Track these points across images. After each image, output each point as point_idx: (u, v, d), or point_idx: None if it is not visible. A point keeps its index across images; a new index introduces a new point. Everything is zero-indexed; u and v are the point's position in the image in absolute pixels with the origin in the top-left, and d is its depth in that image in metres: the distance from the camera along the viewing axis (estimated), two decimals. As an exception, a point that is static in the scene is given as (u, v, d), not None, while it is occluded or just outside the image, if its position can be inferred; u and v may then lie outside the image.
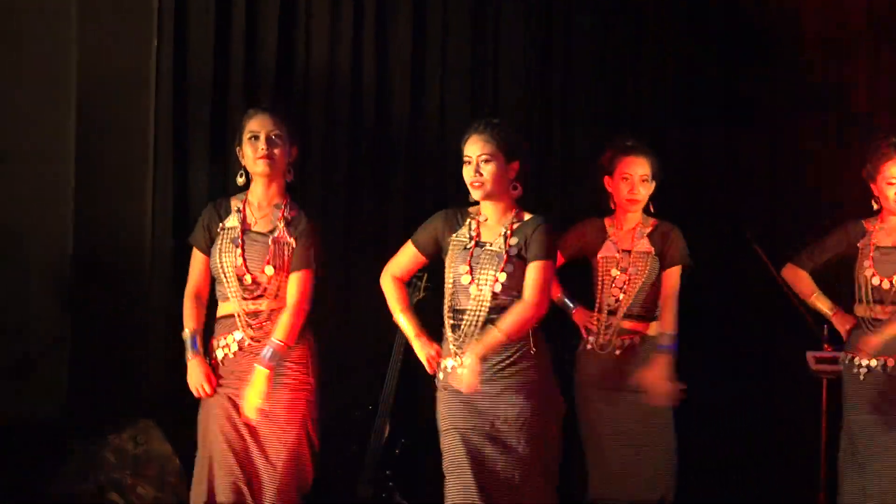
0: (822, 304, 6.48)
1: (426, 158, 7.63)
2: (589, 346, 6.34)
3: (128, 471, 7.00)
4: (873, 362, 6.18)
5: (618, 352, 6.26)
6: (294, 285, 5.42)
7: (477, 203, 5.33)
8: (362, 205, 7.78)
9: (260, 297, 5.42)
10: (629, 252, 6.30)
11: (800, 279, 6.58)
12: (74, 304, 7.15)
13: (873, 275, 6.20)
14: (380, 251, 6.63)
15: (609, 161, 6.38)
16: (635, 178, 6.26)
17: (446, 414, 5.33)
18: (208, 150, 7.22)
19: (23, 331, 7.13)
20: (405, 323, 5.51)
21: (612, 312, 6.30)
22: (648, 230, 6.31)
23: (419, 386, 6.87)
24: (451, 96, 7.79)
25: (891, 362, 6.15)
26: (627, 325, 6.26)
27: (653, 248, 6.28)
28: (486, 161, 5.27)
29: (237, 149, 5.51)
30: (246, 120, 5.51)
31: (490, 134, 5.27)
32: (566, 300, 6.54)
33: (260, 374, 5.29)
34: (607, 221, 6.44)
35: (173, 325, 6.26)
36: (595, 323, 6.35)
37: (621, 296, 6.28)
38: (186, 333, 5.47)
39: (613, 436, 6.30)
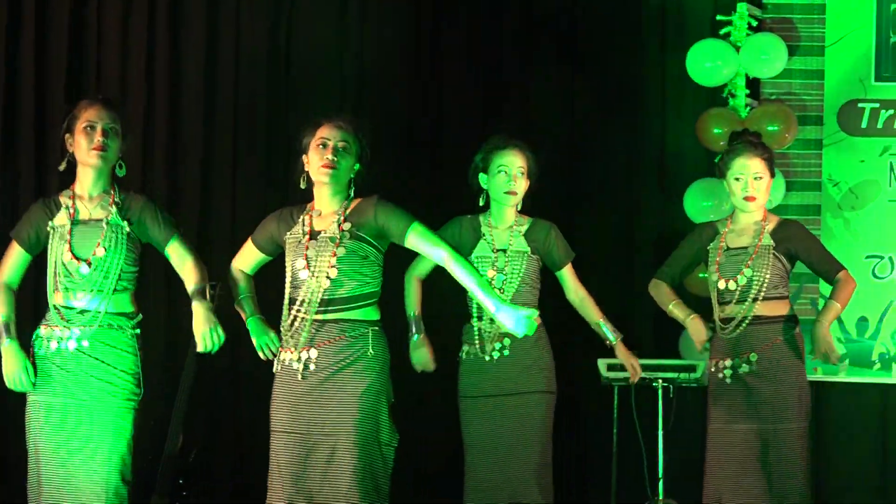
0: (680, 312, 6.45)
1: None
2: (464, 356, 6.30)
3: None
4: (731, 363, 6.19)
5: (496, 355, 6.23)
6: (178, 251, 5.41)
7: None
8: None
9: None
10: (504, 251, 6.26)
11: (659, 291, 6.56)
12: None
13: (718, 278, 6.27)
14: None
15: (484, 157, 6.33)
16: (513, 172, 6.23)
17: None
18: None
19: None
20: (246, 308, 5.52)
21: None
22: (524, 228, 6.29)
23: (218, 392, 7.06)
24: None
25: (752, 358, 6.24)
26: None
27: (529, 248, 6.28)
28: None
29: (66, 136, 5.42)
30: (81, 109, 5.41)
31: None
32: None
33: (204, 307, 5.27)
34: (481, 220, 6.39)
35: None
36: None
37: (512, 290, 6.26)
38: None
39: (490, 439, 6.31)
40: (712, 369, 6.22)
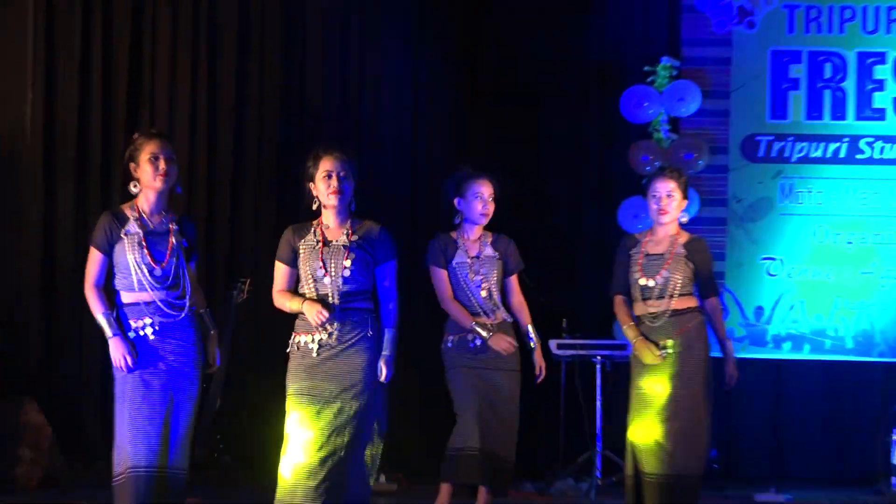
0: (630, 333, 6.83)
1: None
2: (450, 344, 6.81)
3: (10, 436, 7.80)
4: (669, 346, 6.69)
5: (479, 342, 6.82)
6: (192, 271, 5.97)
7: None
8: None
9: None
10: (478, 257, 6.90)
11: (620, 311, 6.96)
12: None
13: (640, 276, 6.73)
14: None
15: (458, 184, 6.88)
16: (486, 198, 6.78)
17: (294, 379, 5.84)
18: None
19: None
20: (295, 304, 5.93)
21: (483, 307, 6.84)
22: (490, 240, 6.93)
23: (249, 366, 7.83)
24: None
25: (669, 343, 6.66)
26: (497, 318, 6.91)
27: (497, 254, 6.91)
28: None
29: (130, 165, 5.88)
30: (142, 142, 5.88)
31: None
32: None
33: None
34: (453, 234, 6.94)
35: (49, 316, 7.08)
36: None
37: (483, 293, 6.87)
38: (104, 317, 5.86)
39: (480, 401, 6.80)
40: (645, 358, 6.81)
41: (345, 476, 5.86)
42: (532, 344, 6.90)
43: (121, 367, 5.80)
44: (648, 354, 6.64)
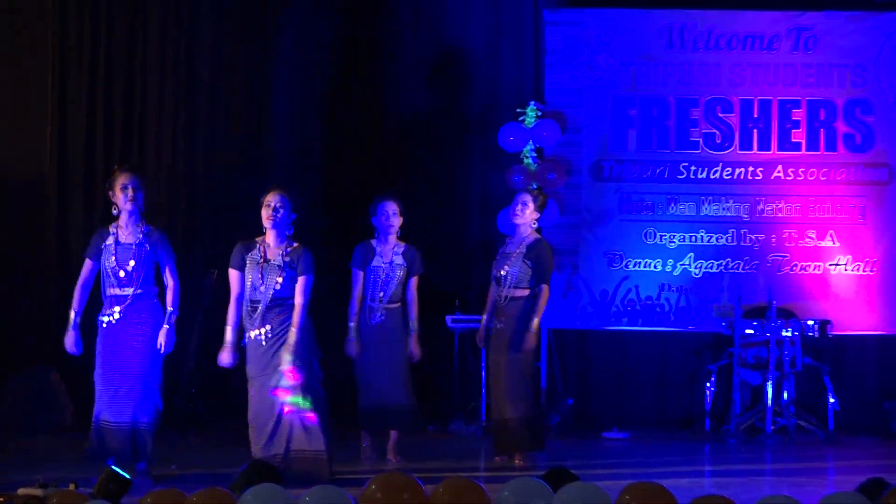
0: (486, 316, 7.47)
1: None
2: (353, 324, 7.48)
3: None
4: (495, 321, 7.53)
5: (377, 321, 7.57)
6: (168, 276, 6.71)
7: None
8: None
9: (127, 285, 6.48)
10: (390, 263, 7.54)
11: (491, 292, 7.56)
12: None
13: (497, 269, 7.60)
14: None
15: (373, 206, 7.53)
16: (390, 214, 7.47)
17: (251, 365, 6.55)
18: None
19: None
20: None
21: (380, 300, 7.53)
22: (401, 250, 7.55)
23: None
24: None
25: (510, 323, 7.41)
26: (390, 306, 7.59)
27: (405, 262, 7.53)
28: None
29: (108, 192, 6.61)
30: (117, 174, 6.63)
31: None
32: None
33: (169, 326, 6.67)
34: (373, 243, 7.60)
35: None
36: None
37: (381, 293, 7.56)
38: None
39: (377, 364, 7.52)
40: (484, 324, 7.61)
41: (292, 429, 6.51)
42: (411, 331, 7.50)
43: (70, 351, 6.49)
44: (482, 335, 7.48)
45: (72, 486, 5.54)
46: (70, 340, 6.51)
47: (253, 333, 6.54)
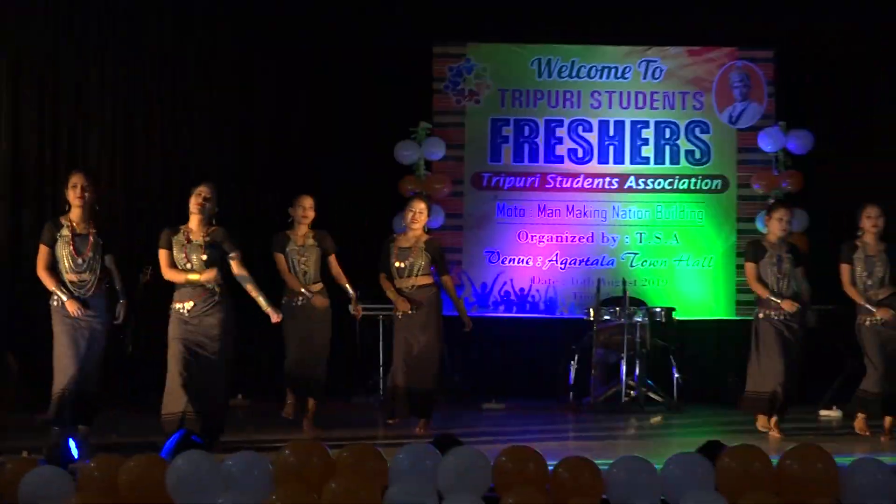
0: (391, 294, 7.46)
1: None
2: (284, 302, 7.29)
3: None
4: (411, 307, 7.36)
5: (302, 302, 7.42)
6: (111, 263, 6.62)
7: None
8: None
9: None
10: (304, 247, 7.51)
11: (383, 281, 7.57)
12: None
13: (396, 262, 7.47)
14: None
15: (292, 201, 7.47)
16: (306, 208, 7.42)
17: (173, 330, 6.42)
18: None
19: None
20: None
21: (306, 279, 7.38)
22: (312, 234, 7.55)
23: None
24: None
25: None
26: (315, 287, 7.51)
27: (316, 243, 7.52)
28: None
29: (65, 191, 6.55)
30: (70, 175, 6.61)
31: None
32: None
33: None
34: (289, 232, 7.50)
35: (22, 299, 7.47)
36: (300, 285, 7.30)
37: (304, 269, 7.50)
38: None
39: (300, 337, 7.36)
40: (399, 311, 7.49)
41: (206, 392, 6.38)
42: (350, 294, 7.52)
43: (76, 315, 6.38)
44: (402, 303, 7.39)
45: (24, 454, 5.57)
46: (75, 304, 6.53)
47: (177, 306, 6.50)
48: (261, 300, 6.57)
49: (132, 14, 9.74)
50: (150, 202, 9.81)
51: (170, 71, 10.03)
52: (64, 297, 6.37)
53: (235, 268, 6.56)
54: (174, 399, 6.33)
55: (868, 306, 7.32)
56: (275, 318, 6.58)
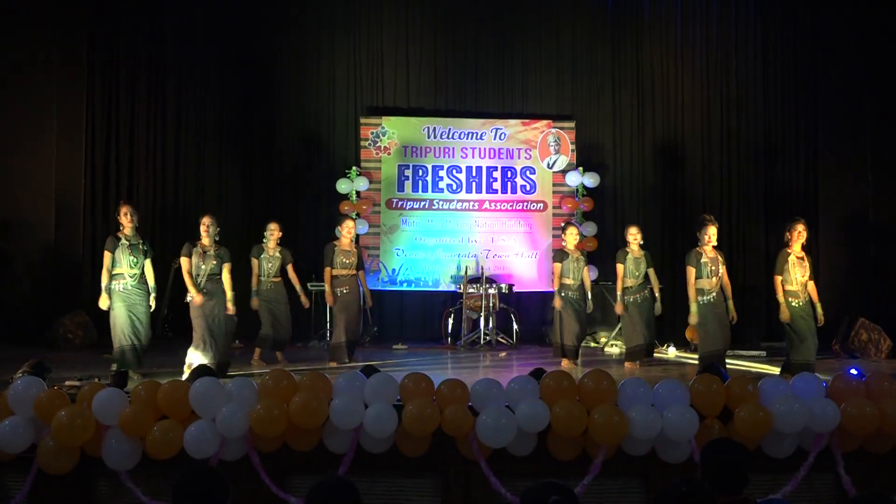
0: (328, 287, 7.09)
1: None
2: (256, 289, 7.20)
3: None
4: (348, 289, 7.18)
5: (269, 285, 7.24)
6: (147, 267, 6.46)
7: None
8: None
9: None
10: (271, 255, 7.35)
11: (327, 274, 7.20)
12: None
13: (340, 258, 7.12)
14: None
15: (267, 224, 7.37)
16: (274, 229, 7.29)
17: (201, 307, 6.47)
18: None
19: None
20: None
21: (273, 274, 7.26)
22: (278, 249, 7.44)
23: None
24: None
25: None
26: (275, 279, 7.37)
27: (279, 255, 7.38)
28: None
29: (118, 217, 6.52)
30: (121, 205, 6.52)
31: None
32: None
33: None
34: (264, 243, 7.33)
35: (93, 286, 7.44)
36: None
37: (269, 274, 7.32)
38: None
39: (272, 311, 7.26)
40: (345, 289, 7.32)
41: (224, 345, 6.58)
42: (299, 290, 7.45)
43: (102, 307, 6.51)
44: (330, 298, 7.35)
45: (96, 380, 5.52)
46: (105, 297, 6.39)
47: (195, 293, 6.47)
48: (230, 294, 6.57)
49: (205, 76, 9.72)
50: (173, 218, 9.84)
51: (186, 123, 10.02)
52: (104, 288, 6.45)
53: (225, 273, 6.61)
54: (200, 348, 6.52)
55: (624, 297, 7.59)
56: (234, 309, 6.49)
